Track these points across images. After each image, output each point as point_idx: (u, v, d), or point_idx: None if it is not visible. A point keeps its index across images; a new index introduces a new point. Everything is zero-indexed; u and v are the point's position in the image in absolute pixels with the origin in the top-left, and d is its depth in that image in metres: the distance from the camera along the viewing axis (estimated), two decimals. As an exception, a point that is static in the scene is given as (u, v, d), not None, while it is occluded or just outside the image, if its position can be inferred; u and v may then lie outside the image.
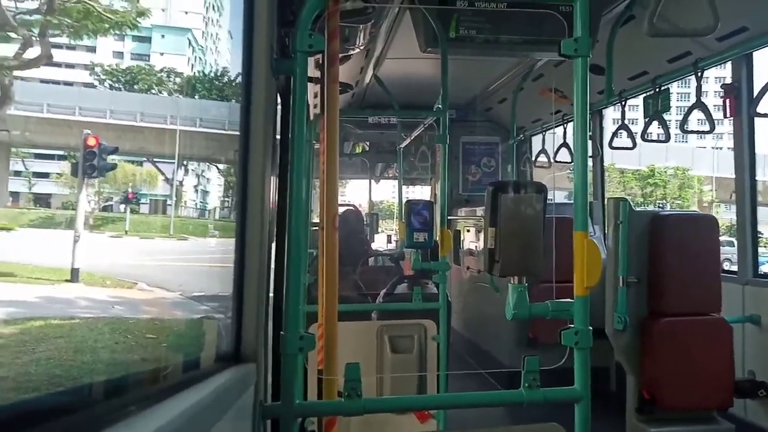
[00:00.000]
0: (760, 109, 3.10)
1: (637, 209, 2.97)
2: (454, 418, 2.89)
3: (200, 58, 42.46)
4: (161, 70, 32.77)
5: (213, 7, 46.31)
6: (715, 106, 3.66)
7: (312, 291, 2.74)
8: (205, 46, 44.20)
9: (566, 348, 1.34)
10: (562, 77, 4.09)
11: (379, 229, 9.61)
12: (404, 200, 3.58)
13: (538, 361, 1.33)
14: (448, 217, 3.66)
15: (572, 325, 1.34)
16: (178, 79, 32.82)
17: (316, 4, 1.30)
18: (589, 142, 4.63)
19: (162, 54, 37.08)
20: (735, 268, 3.44)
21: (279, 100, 1.61)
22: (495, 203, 1.43)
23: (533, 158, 5.67)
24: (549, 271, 1.47)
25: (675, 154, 33.87)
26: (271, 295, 1.45)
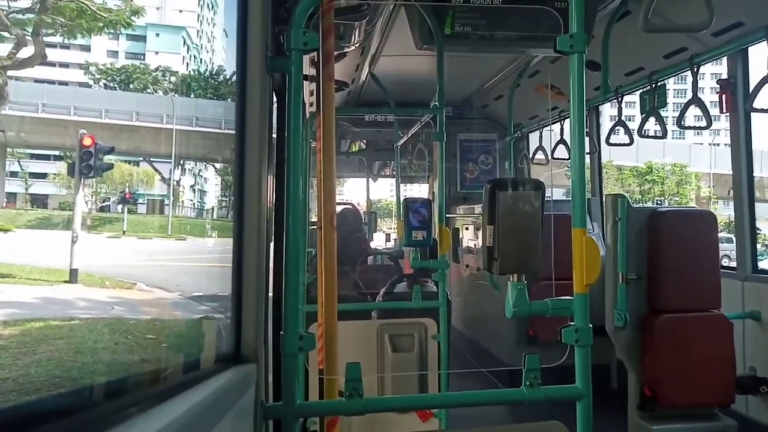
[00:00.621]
0: (756, 104, 3.10)
1: (636, 206, 2.97)
2: (456, 416, 2.89)
3: (195, 57, 42.35)
4: (156, 69, 32.68)
5: (207, 5, 46.18)
6: (711, 102, 3.66)
7: (311, 290, 2.74)
8: (200, 44, 44.08)
9: (567, 346, 1.34)
10: (559, 73, 4.09)
11: (378, 228, 9.60)
12: (402, 198, 3.58)
13: (539, 358, 1.33)
14: (447, 215, 3.66)
15: (572, 323, 1.34)
16: (173, 78, 32.74)
17: (311, 2, 1.30)
18: (587, 139, 4.65)
19: (157, 53, 36.96)
20: (733, 264, 3.45)
21: (275, 99, 1.60)
22: (493, 201, 1.43)
23: (531, 155, 5.66)
24: (548, 269, 1.47)
25: (672, 151, 33.95)
26: (271, 294, 1.45)
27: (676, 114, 3.71)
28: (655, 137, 4.11)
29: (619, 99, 4.17)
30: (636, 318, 2.84)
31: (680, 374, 2.74)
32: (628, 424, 2.86)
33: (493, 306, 4.75)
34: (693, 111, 3.54)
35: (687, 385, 2.73)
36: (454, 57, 3.63)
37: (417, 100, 4.20)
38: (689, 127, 3.78)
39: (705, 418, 2.78)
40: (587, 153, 4.82)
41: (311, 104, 3.12)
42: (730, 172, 3.47)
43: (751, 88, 3.14)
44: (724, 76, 3.40)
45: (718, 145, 33.92)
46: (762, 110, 3.08)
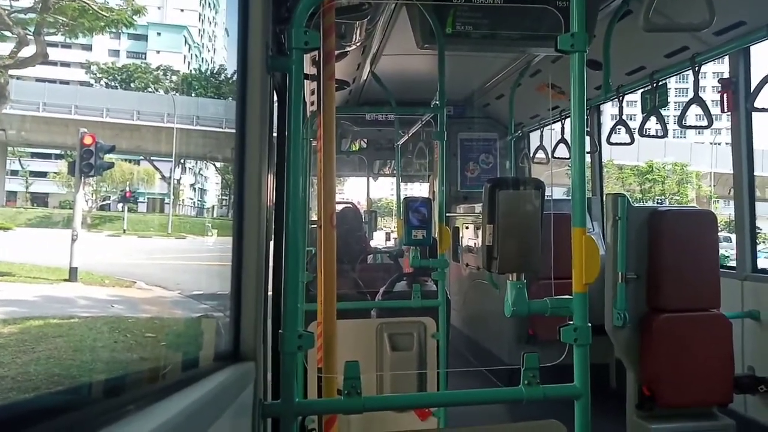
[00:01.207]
0: (757, 103, 3.09)
1: (636, 205, 2.97)
2: (455, 415, 2.89)
3: (196, 56, 42.34)
4: (158, 68, 32.68)
5: (209, 4, 46.15)
6: (712, 101, 3.66)
7: (311, 289, 2.74)
8: (201, 43, 44.07)
9: (566, 345, 1.34)
10: (560, 73, 4.08)
11: (378, 227, 9.60)
12: (402, 197, 3.58)
13: (538, 358, 1.33)
14: (447, 214, 3.66)
15: (571, 322, 1.34)
16: (174, 77, 32.75)
17: (312, 1, 1.30)
18: (587, 138, 4.65)
19: (158, 52, 36.96)
20: (731, 263, 3.44)
21: (275, 98, 1.60)
22: (493, 200, 1.43)
23: (531, 154, 5.66)
24: (548, 268, 1.47)
25: (673, 150, 33.92)
26: (270, 293, 1.45)
27: (678, 113, 3.71)
28: (656, 136, 4.10)
29: (620, 98, 4.17)
30: (635, 317, 2.84)
31: (679, 373, 2.74)
32: (627, 423, 2.86)
33: (493, 305, 4.75)
34: (694, 110, 3.54)
35: (686, 384, 2.73)
36: (455, 56, 3.63)
37: (418, 99, 4.20)
38: (690, 127, 3.77)
39: (703, 418, 2.78)
40: (588, 152, 4.82)
41: (312, 103, 3.12)
42: (731, 171, 3.47)
43: (753, 87, 3.13)
44: (726, 75, 3.40)
45: (719, 144, 33.89)
46: (763, 109, 3.08)
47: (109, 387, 0.86)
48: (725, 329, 2.85)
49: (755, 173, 3.44)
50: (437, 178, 6.30)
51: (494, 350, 4.92)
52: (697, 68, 3.45)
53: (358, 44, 3.37)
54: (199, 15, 45.04)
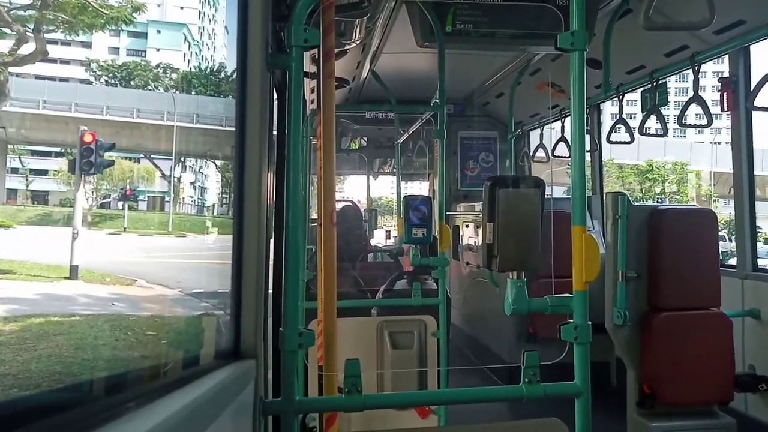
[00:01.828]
0: (757, 102, 3.09)
1: (636, 204, 2.97)
2: (455, 413, 2.89)
3: (196, 54, 42.31)
4: (157, 66, 32.67)
5: (208, 1, 46.08)
6: (713, 100, 3.66)
7: (311, 287, 2.74)
8: (201, 41, 44.02)
9: (566, 343, 1.34)
10: (560, 71, 4.08)
11: (378, 225, 9.61)
12: (403, 196, 3.58)
13: (538, 356, 1.33)
14: (447, 213, 3.66)
15: (571, 320, 1.35)
16: (174, 75, 32.73)
17: None
18: (587, 137, 4.65)
19: (158, 50, 36.92)
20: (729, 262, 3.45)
21: (275, 96, 1.60)
22: (493, 198, 1.43)
23: (531, 153, 5.66)
24: (548, 267, 1.47)
25: (673, 149, 33.90)
26: (270, 291, 1.45)
27: (677, 112, 3.71)
28: (656, 135, 4.10)
29: (620, 97, 4.16)
30: (635, 316, 2.84)
31: (679, 372, 2.74)
32: (627, 421, 2.87)
33: (493, 303, 4.76)
34: (694, 109, 3.53)
35: (686, 382, 2.74)
36: (455, 54, 3.62)
37: (418, 98, 4.20)
38: (690, 125, 3.77)
39: (704, 416, 2.78)
40: (588, 151, 4.82)
41: (312, 101, 3.12)
42: (731, 171, 3.47)
43: (753, 86, 3.13)
44: (726, 74, 3.40)
45: (719, 143, 33.87)
46: (763, 108, 3.08)
47: (110, 384, 0.86)
48: (726, 328, 2.86)
49: (755, 172, 3.44)
50: (437, 176, 6.29)
51: (494, 348, 4.92)
52: (697, 67, 3.44)
53: (357, 42, 3.36)
54: (199, 12, 44.99)
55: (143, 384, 0.90)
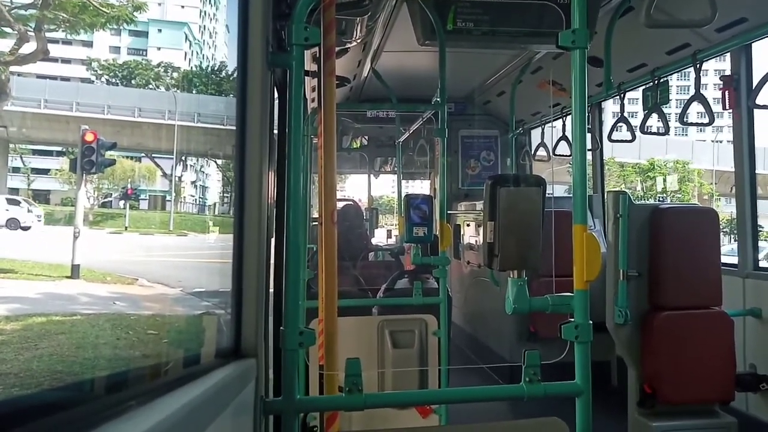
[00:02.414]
0: (759, 100, 3.09)
1: (637, 203, 2.97)
2: (456, 412, 2.89)
3: (197, 53, 42.31)
4: (158, 65, 32.67)
5: (209, 0, 46.06)
6: (714, 98, 3.65)
7: (312, 286, 2.74)
8: (202, 40, 44.02)
9: (567, 342, 1.34)
10: (561, 70, 4.07)
11: (379, 224, 9.60)
12: (403, 195, 3.58)
13: (539, 355, 1.33)
14: (448, 212, 3.65)
15: (572, 319, 1.34)
16: (175, 74, 32.73)
17: None
18: (589, 135, 4.64)
19: (159, 49, 36.92)
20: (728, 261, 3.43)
21: (276, 95, 1.60)
22: (494, 197, 1.43)
23: (532, 152, 5.65)
24: (549, 265, 1.47)
25: (675, 148, 33.85)
26: (271, 290, 1.45)
27: (679, 110, 3.70)
28: (657, 134, 4.08)
29: (622, 95, 4.15)
30: (637, 315, 2.84)
31: (680, 371, 2.74)
32: (628, 420, 2.87)
33: (494, 302, 4.76)
34: (696, 107, 3.53)
35: (687, 382, 2.73)
36: (456, 53, 3.62)
37: (419, 96, 4.19)
38: (692, 124, 3.76)
39: (705, 415, 2.78)
40: (589, 149, 4.81)
41: (312, 100, 3.11)
42: (733, 169, 3.46)
43: (755, 84, 3.12)
44: (727, 72, 3.39)
45: (720, 141, 33.81)
46: (765, 106, 3.07)
47: (111, 383, 0.86)
48: (727, 327, 2.85)
49: (757, 171, 3.43)
50: (438, 175, 6.29)
51: (495, 347, 4.92)
52: (698, 65, 3.43)
53: (358, 41, 3.36)
54: (200, 11, 44.98)
55: (144, 383, 0.90)
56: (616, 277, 2.83)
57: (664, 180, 32.78)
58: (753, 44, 3.24)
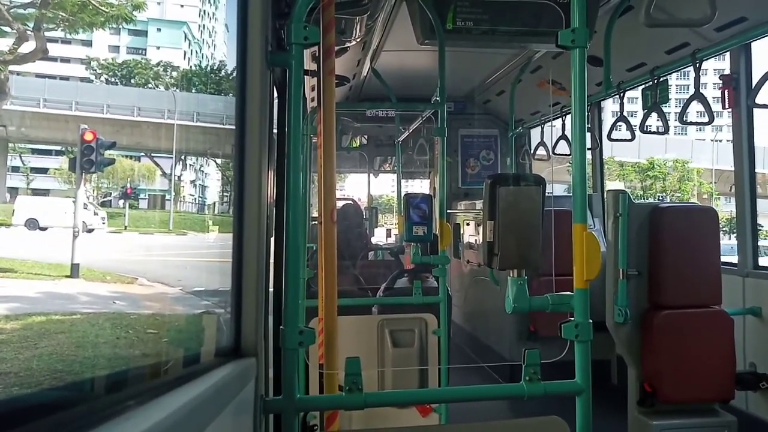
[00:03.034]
0: (758, 99, 3.09)
1: (637, 202, 2.96)
2: (456, 411, 2.89)
3: (196, 52, 42.27)
4: (158, 64, 32.65)
5: None
6: (714, 97, 3.65)
7: (312, 285, 2.74)
8: (201, 39, 43.98)
9: (567, 341, 1.34)
10: (561, 69, 4.07)
11: (379, 223, 9.61)
12: (403, 194, 3.58)
13: (539, 354, 1.33)
14: (448, 211, 3.66)
15: (572, 318, 1.34)
16: (174, 73, 32.71)
17: None
18: (588, 135, 4.64)
19: (158, 48, 36.90)
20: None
21: (275, 94, 1.60)
22: (493, 196, 1.43)
23: (532, 151, 5.65)
24: (549, 265, 1.47)
25: (675, 147, 33.87)
26: (271, 289, 1.45)
27: (678, 110, 3.70)
28: (657, 133, 4.09)
29: (621, 94, 4.15)
30: (636, 314, 2.84)
31: (680, 370, 2.74)
32: (628, 419, 2.87)
33: (494, 301, 4.76)
34: (695, 107, 3.53)
35: (687, 380, 2.74)
36: (456, 52, 3.61)
37: (418, 96, 4.19)
38: (691, 123, 3.76)
39: (705, 414, 2.78)
40: (589, 149, 4.82)
41: (312, 99, 3.11)
42: (732, 168, 3.46)
43: (754, 83, 3.13)
44: (727, 71, 3.39)
45: (720, 141, 33.83)
46: (764, 105, 3.07)
47: (111, 382, 0.87)
48: (727, 326, 2.86)
49: (757, 170, 3.43)
50: (438, 174, 6.30)
51: (495, 347, 4.92)
52: (698, 64, 3.43)
53: (358, 40, 3.36)
54: (199, 10, 44.93)
55: (144, 382, 0.90)
56: (615, 276, 2.83)
57: (664, 180, 32.82)
58: (752, 43, 3.24)
